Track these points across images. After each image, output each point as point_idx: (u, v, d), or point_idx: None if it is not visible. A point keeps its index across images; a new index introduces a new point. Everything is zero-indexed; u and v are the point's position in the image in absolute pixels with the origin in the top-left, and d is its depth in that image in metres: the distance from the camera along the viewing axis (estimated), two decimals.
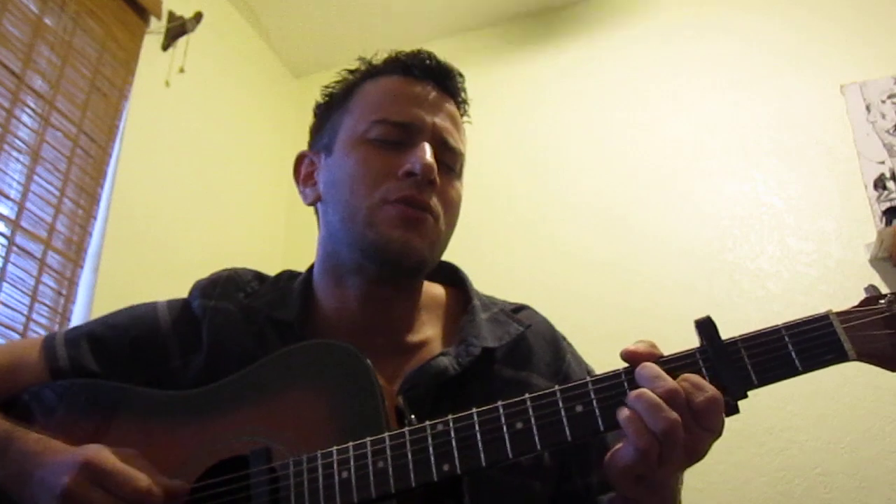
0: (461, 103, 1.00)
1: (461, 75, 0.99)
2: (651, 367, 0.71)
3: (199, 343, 0.92)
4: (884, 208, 2.18)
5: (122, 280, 2.17)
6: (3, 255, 1.88)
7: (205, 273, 1.01)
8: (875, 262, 2.18)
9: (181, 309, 0.97)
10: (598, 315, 2.33)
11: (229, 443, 0.80)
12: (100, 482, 0.73)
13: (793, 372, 0.70)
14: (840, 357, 0.69)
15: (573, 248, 2.54)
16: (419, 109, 0.93)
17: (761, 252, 2.34)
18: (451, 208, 0.93)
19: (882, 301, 0.72)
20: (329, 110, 0.99)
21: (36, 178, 2.00)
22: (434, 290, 1.01)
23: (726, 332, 0.72)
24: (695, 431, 0.68)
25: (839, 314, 0.71)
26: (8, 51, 1.97)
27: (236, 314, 0.93)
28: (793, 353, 0.70)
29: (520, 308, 1.00)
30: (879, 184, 2.25)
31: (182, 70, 2.54)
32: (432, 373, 0.86)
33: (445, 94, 0.97)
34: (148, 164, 2.41)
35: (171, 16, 2.55)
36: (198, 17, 2.58)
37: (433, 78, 0.96)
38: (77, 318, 2.04)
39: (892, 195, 2.22)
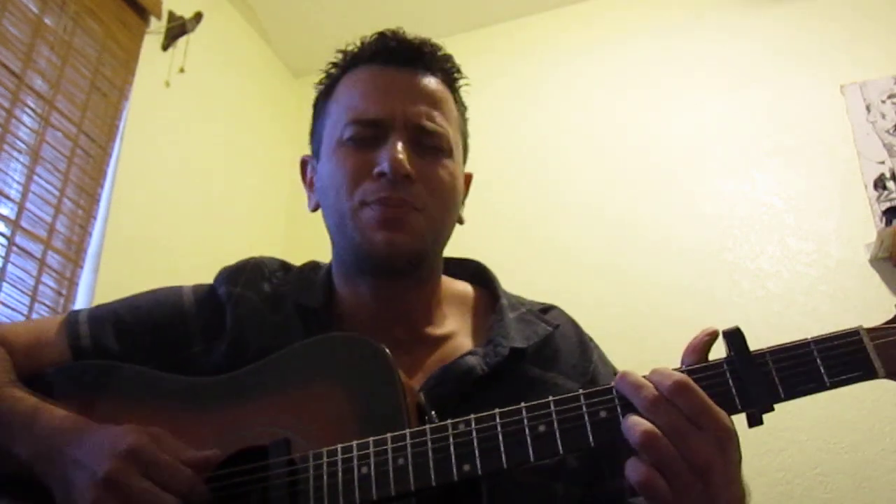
0: (445, 72, 0.96)
1: (434, 45, 0.95)
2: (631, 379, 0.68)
3: (223, 329, 0.92)
4: (884, 208, 2.18)
5: (122, 280, 2.17)
6: (3, 255, 1.88)
7: (204, 273, 1.02)
8: (875, 262, 2.18)
9: (206, 294, 0.97)
10: (598, 316, 2.29)
11: (249, 432, 0.79)
12: (146, 471, 0.71)
13: (820, 387, 0.68)
14: (869, 374, 0.67)
15: (572, 249, 2.54)
16: (389, 100, 0.90)
17: (761, 252, 2.34)
18: (440, 192, 0.90)
19: None
20: (316, 113, 0.99)
21: (36, 178, 2.00)
22: (459, 287, 1.00)
23: None
24: (686, 430, 0.66)
25: (869, 330, 0.69)
26: (8, 51, 1.97)
27: (259, 303, 0.94)
28: (821, 368, 0.68)
29: (548, 308, 1.00)
30: (879, 184, 2.25)
31: (182, 70, 2.54)
32: (459, 372, 0.85)
33: (420, 72, 0.93)
34: (148, 164, 2.41)
35: (171, 16, 2.55)
36: (198, 17, 2.58)
37: (402, 61, 0.93)
38: None
39: (892, 195, 2.22)
